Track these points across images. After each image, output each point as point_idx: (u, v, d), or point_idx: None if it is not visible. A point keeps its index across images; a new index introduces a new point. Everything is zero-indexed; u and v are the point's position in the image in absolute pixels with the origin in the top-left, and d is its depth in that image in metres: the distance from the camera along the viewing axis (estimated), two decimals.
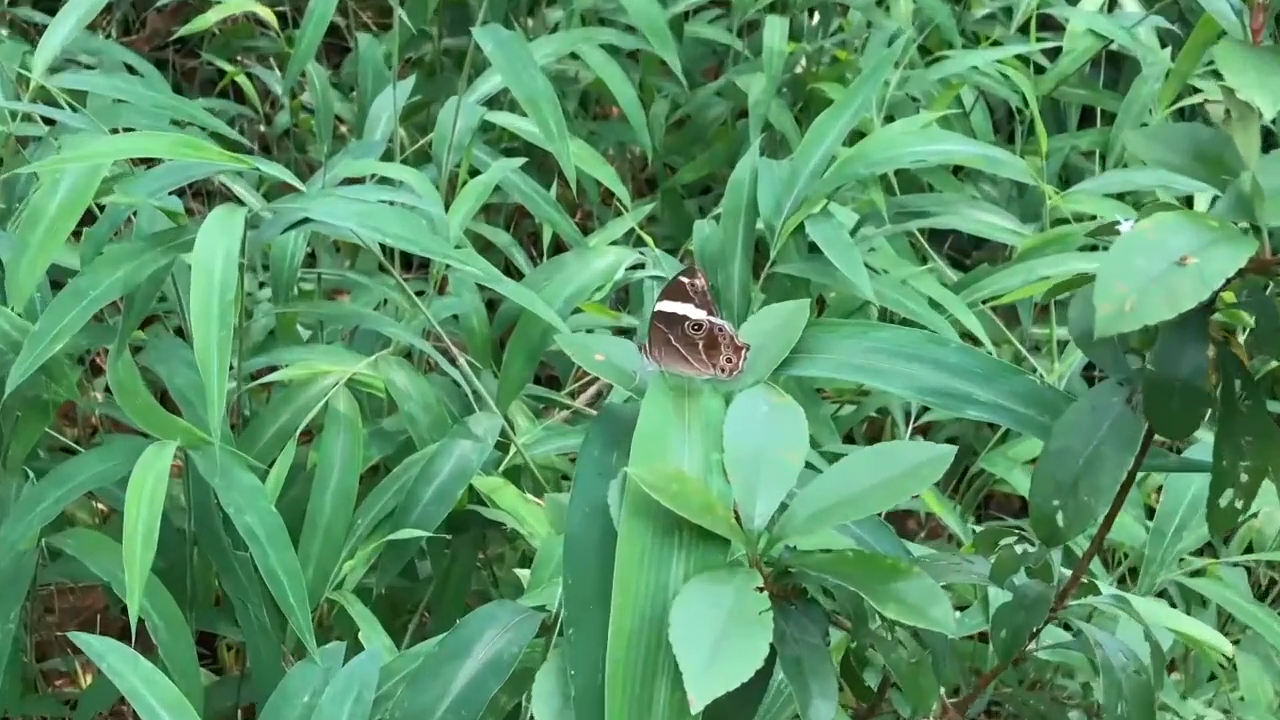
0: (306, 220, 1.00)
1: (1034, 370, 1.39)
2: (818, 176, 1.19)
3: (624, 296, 1.59)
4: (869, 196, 1.34)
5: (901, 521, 1.59)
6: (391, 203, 1.06)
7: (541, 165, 1.73)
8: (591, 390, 1.41)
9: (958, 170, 1.62)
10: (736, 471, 0.62)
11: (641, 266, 1.22)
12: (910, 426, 1.40)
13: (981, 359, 0.66)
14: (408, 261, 1.72)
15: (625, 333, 1.29)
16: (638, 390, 0.66)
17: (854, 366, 0.67)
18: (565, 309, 1.14)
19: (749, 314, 1.15)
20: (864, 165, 1.19)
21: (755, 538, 0.61)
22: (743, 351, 0.66)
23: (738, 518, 0.61)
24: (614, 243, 1.39)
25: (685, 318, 0.66)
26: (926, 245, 1.49)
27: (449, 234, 1.12)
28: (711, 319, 0.66)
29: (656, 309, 0.67)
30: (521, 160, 1.30)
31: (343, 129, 1.83)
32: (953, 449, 0.62)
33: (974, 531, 1.23)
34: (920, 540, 1.49)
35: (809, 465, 0.64)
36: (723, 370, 0.66)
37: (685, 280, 0.67)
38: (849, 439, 1.51)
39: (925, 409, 1.38)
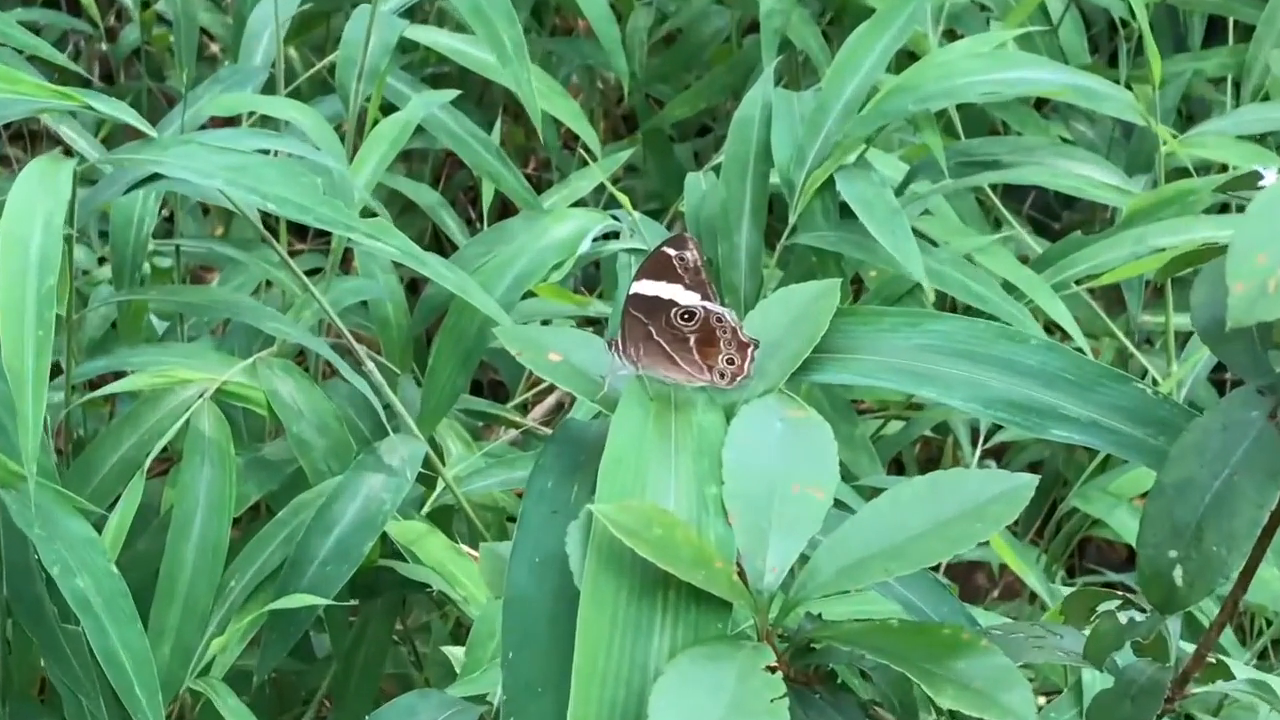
0: (159, 176, 1.00)
1: (1144, 374, 1.39)
2: (853, 114, 1.20)
3: (593, 274, 1.60)
4: (922, 140, 1.34)
5: (967, 576, 1.60)
6: (275, 152, 1.07)
7: (481, 98, 1.75)
8: (549, 401, 1.42)
9: (1041, 104, 1.62)
10: (741, 511, 0.62)
11: (615, 235, 1.23)
12: (979, 449, 1.40)
13: (1072, 359, 0.66)
14: (301, 229, 1.71)
15: (594, 325, 1.30)
16: (607, 402, 0.67)
17: (900, 371, 0.67)
18: (512, 294, 1.15)
19: (759, 298, 1.17)
20: (915, 99, 1.20)
21: (766, 600, 0.61)
22: (749, 350, 0.67)
23: (742, 573, 0.61)
24: (578, 203, 1.40)
25: (672, 303, 0.67)
26: (1000, 205, 1.49)
27: (353, 194, 1.13)
28: (708, 305, 0.66)
29: (633, 292, 0.67)
30: (453, 92, 1.31)
31: (212, 48, 1.83)
32: (1034, 479, 0.62)
33: (1063, 591, 1.23)
34: (991, 603, 1.50)
35: (839, 503, 0.64)
36: (722, 375, 0.67)
37: (672, 252, 0.67)
38: (896, 467, 1.51)
39: (998, 427, 1.38)
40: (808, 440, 0.64)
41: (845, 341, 0.68)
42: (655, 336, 0.67)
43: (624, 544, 0.59)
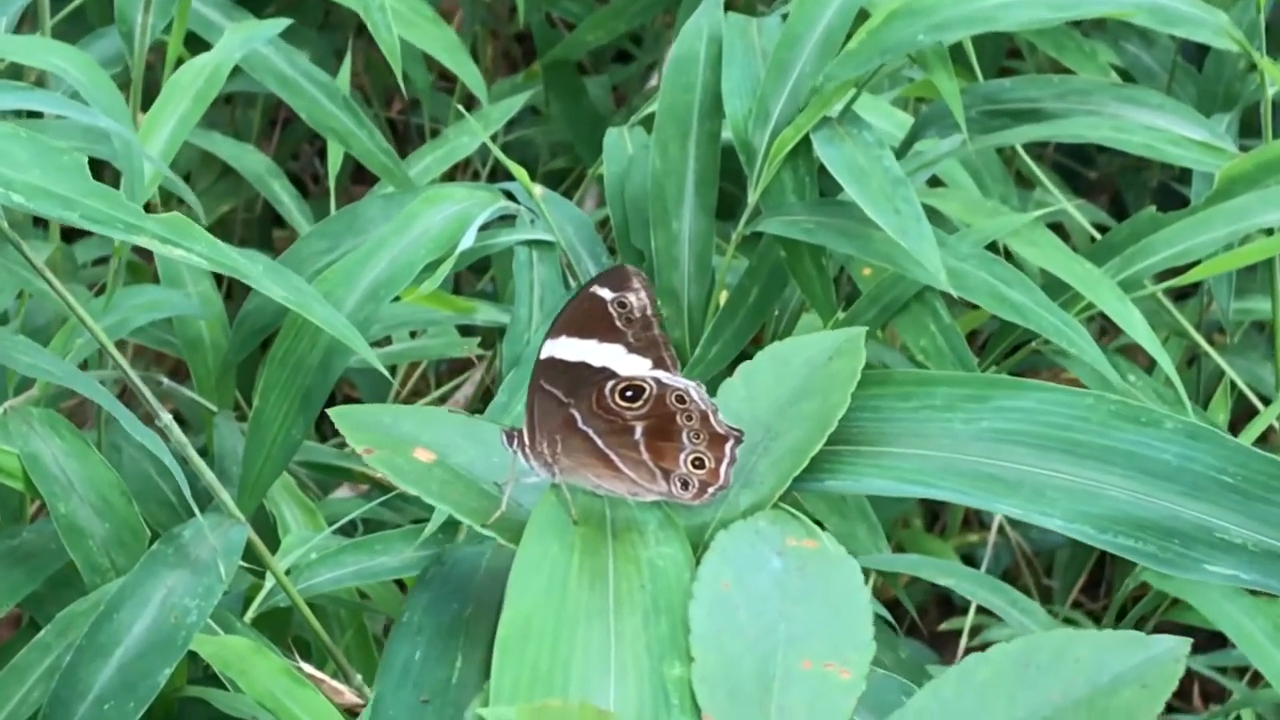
0: None
1: (1229, 387, 1.33)
2: (835, 48, 1.17)
3: (483, 271, 1.68)
4: (930, 78, 1.29)
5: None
6: (31, 115, 1.10)
7: (327, 19, 1.83)
8: None
9: (1087, 26, 1.61)
10: (723, 704, 0.60)
11: (511, 220, 1.23)
12: None
13: (1230, 451, 0.63)
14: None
15: (483, 336, 1.25)
16: (507, 527, 0.63)
17: (964, 473, 0.64)
18: (368, 307, 1.15)
19: (709, 308, 1.11)
20: (928, 26, 1.17)
21: None
22: (728, 445, 0.64)
23: None
24: (459, 167, 1.45)
25: (607, 374, 0.63)
26: (1033, 165, 1.48)
27: (144, 171, 1.12)
28: (663, 377, 0.64)
29: (545, 356, 0.63)
30: (281, 22, 1.29)
31: None
32: (1185, 644, 0.60)
33: None
34: None
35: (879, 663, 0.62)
36: (686, 484, 0.64)
37: (606, 295, 0.64)
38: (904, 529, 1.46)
39: None
40: (823, 585, 0.62)
41: (876, 427, 0.66)
42: (581, 425, 0.64)
43: None
